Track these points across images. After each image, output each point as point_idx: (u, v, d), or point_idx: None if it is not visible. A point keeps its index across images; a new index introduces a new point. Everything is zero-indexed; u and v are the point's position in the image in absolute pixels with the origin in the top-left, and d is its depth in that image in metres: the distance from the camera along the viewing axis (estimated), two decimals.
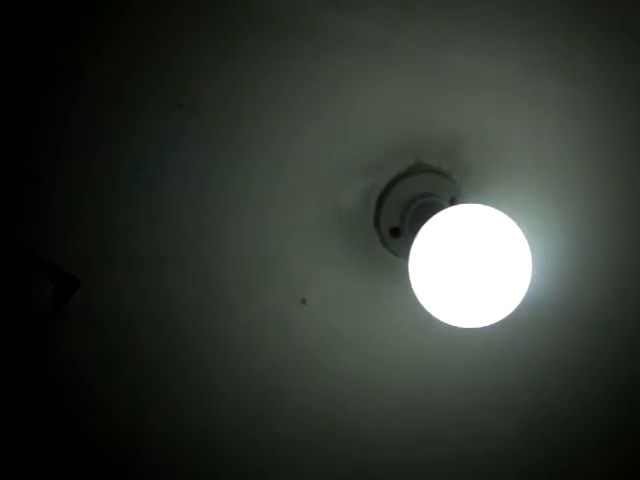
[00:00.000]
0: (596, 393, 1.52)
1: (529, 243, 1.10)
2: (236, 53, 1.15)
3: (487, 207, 1.11)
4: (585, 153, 1.28)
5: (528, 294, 1.12)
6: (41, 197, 1.22)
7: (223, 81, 1.17)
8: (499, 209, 1.11)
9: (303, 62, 1.16)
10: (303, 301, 1.35)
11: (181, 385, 1.40)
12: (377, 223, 1.30)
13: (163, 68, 1.15)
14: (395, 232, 1.29)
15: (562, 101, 1.23)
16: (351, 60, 1.16)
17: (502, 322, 1.14)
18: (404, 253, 1.20)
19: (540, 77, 1.20)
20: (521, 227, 1.10)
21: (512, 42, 1.17)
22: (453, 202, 1.26)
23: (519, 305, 1.12)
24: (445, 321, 1.14)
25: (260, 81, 1.17)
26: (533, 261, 1.11)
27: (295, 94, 1.19)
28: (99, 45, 1.13)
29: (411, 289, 1.14)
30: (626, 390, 1.53)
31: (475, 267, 1.07)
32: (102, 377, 1.38)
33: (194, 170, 1.23)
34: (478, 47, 1.17)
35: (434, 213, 1.13)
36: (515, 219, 1.11)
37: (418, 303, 1.14)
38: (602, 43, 1.19)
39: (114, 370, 1.37)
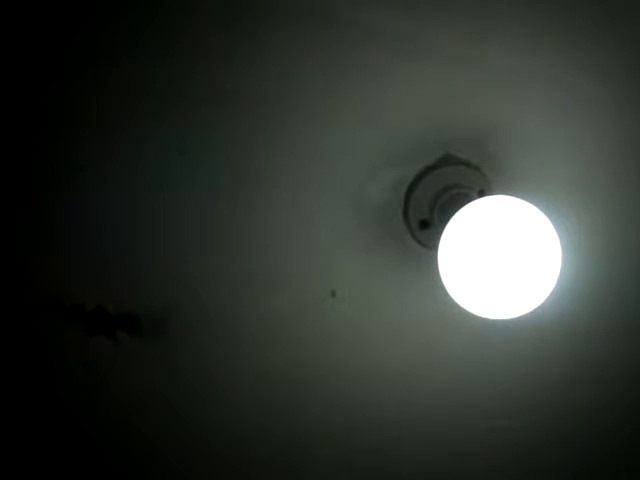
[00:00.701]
0: (627, 385, 1.51)
1: (558, 234, 1.10)
2: (271, 47, 1.16)
3: (516, 199, 1.11)
4: (615, 146, 1.27)
5: (557, 285, 1.11)
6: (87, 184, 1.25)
7: (257, 73, 1.18)
8: (528, 201, 1.11)
9: (335, 56, 1.17)
10: (332, 293, 1.36)
11: (206, 382, 1.42)
12: (406, 215, 1.30)
13: (199, 58, 1.16)
14: (424, 224, 1.29)
15: (592, 96, 1.22)
16: (381, 55, 1.17)
17: (531, 314, 1.14)
18: (433, 245, 1.20)
19: (570, 74, 1.19)
20: (550, 219, 1.10)
21: (541, 39, 1.16)
22: (482, 194, 1.26)
23: (548, 297, 1.12)
24: (474, 313, 1.14)
25: (293, 75, 1.18)
26: (562, 252, 1.11)
27: (327, 88, 1.20)
28: (136, 35, 1.15)
29: (440, 281, 1.14)
30: None
31: (504, 259, 1.07)
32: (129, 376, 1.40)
33: (221, 160, 1.24)
34: (508, 43, 1.17)
35: (463, 205, 1.13)
36: (544, 211, 1.10)
37: (447, 295, 1.14)
38: (630, 44, 1.18)
39: (140, 371, 1.40)
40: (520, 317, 1.14)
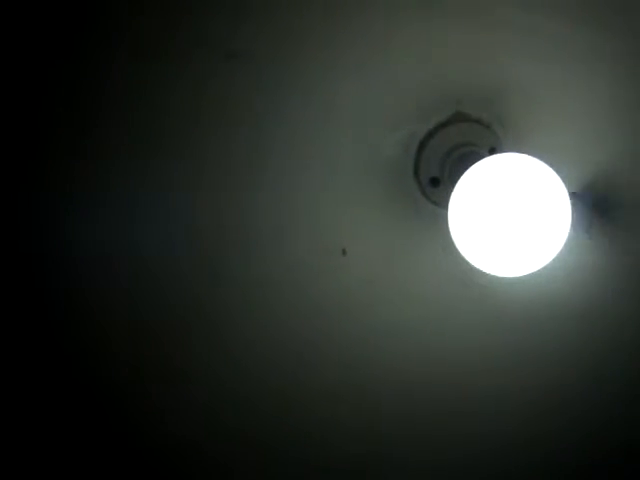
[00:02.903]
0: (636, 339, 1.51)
1: (568, 192, 1.10)
2: (284, 4, 1.15)
3: (527, 156, 1.10)
4: (626, 104, 1.27)
5: (567, 243, 1.12)
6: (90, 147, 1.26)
7: (273, 31, 1.18)
8: (538, 158, 1.10)
9: (350, 11, 1.16)
10: (343, 251, 1.36)
11: (227, 324, 1.43)
12: (417, 172, 1.30)
13: (214, 16, 1.16)
14: (435, 182, 1.29)
15: (602, 52, 1.21)
16: (395, 12, 1.16)
17: (542, 271, 1.14)
18: (444, 203, 1.21)
19: (580, 29, 1.18)
20: (561, 176, 1.10)
21: None
22: (493, 152, 1.25)
23: (558, 254, 1.12)
24: (485, 270, 1.14)
25: (307, 31, 1.18)
26: (572, 209, 1.11)
27: (340, 43, 1.19)
28: None
29: (451, 238, 1.14)
30: None
31: (515, 216, 1.07)
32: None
33: (233, 117, 1.25)
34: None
35: (474, 162, 1.13)
36: (555, 168, 1.10)
37: (457, 252, 1.15)
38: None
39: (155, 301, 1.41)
40: (530, 274, 1.14)
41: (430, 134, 1.28)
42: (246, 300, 1.40)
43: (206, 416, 1.51)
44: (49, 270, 1.34)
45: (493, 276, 1.15)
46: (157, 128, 1.25)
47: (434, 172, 1.29)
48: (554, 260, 1.13)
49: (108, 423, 1.50)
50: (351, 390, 1.50)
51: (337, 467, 1.59)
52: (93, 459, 1.52)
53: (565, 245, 1.12)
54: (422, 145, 1.28)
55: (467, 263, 1.15)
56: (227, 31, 1.17)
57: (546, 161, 1.10)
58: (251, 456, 1.56)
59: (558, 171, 1.10)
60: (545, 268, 1.14)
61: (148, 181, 1.29)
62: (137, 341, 1.42)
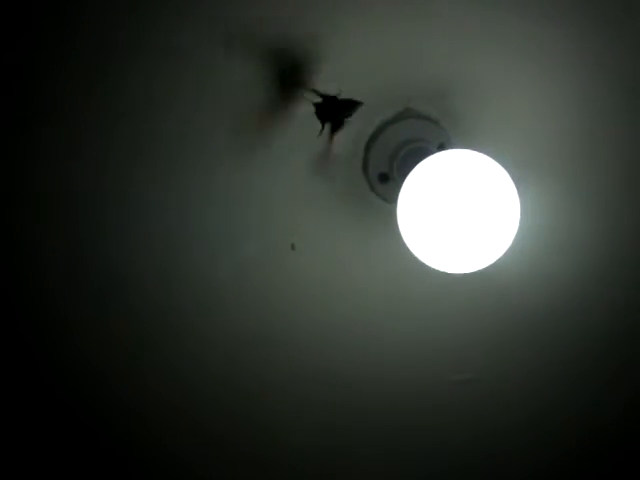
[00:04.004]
0: (589, 340, 1.53)
1: (517, 188, 1.10)
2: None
3: (476, 152, 1.10)
4: (574, 100, 1.28)
5: (516, 239, 1.12)
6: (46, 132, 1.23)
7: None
8: (487, 155, 1.11)
9: (298, 9, 1.16)
10: (292, 247, 1.35)
11: (182, 324, 1.42)
12: (366, 168, 1.30)
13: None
14: (384, 178, 1.29)
15: (551, 50, 1.22)
16: (342, 5, 1.15)
17: (491, 267, 1.14)
18: (393, 199, 1.20)
19: (529, 26, 1.19)
20: (509, 172, 1.10)
21: None
22: (441, 148, 1.25)
23: (507, 250, 1.13)
24: (434, 267, 1.14)
25: None
26: (521, 206, 1.11)
27: (285, 33, 1.18)
28: None
29: (400, 235, 1.14)
30: (619, 339, 1.54)
31: (464, 212, 1.07)
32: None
33: (181, 104, 1.23)
34: None
35: (423, 158, 1.13)
36: (503, 165, 1.10)
37: (407, 249, 1.14)
38: None
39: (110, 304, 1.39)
40: (479, 271, 1.14)
41: (379, 130, 1.27)
42: (199, 300, 1.39)
43: (168, 412, 1.50)
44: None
45: (442, 272, 1.15)
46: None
47: (383, 168, 1.28)
48: (502, 256, 1.14)
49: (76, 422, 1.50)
50: (305, 386, 1.50)
51: (293, 461, 1.60)
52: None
53: (514, 241, 1.13)
54: (371, 141, 1.28)
55: (416, 259, 1.14)
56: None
57: (494, 157, 1.11)
58: (213, 452, 1.56)
59: (506, 167, 1.10)
60: (493, 265, 1.14)
61: (86, 182, 1.27)
62: (99, 342, 1.41)
